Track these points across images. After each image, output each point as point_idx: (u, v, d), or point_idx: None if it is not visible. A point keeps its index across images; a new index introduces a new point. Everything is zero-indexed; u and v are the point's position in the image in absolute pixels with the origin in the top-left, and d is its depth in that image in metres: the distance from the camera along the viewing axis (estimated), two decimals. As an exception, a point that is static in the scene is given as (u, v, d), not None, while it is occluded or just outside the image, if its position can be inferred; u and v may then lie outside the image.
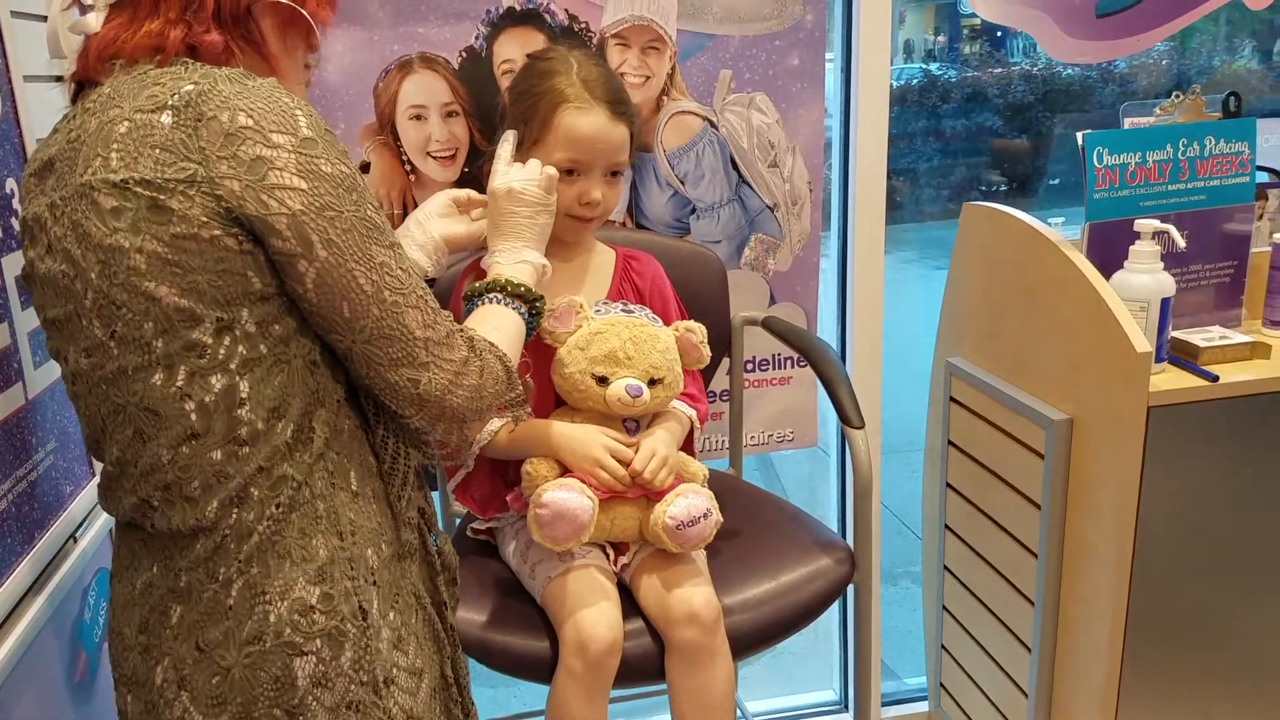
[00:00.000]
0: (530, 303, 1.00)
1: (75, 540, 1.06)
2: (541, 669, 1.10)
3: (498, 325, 0.95)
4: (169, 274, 0.73)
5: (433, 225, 1.08)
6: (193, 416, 0.75)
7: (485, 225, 1.09)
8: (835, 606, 1.85)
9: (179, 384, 0.75)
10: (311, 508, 0.79)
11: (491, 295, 0.98)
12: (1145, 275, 1.29)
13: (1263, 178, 1.49)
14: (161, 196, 0.72)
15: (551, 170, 1.08)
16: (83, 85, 0.82)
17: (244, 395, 0.76)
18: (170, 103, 0.73)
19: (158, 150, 0.73)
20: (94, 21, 0.80)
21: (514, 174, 1.06)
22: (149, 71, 0.77)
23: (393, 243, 0.79)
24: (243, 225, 0.74)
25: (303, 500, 0.78)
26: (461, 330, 0.86)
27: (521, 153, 1.15)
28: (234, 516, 0.77)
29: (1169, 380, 1.28)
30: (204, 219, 0.72)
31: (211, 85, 0.74)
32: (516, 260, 1.03)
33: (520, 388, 0.90)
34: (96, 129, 0.75)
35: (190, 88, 0.74)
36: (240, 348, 0.75)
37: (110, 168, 0.73)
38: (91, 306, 0.75)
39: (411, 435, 0.86)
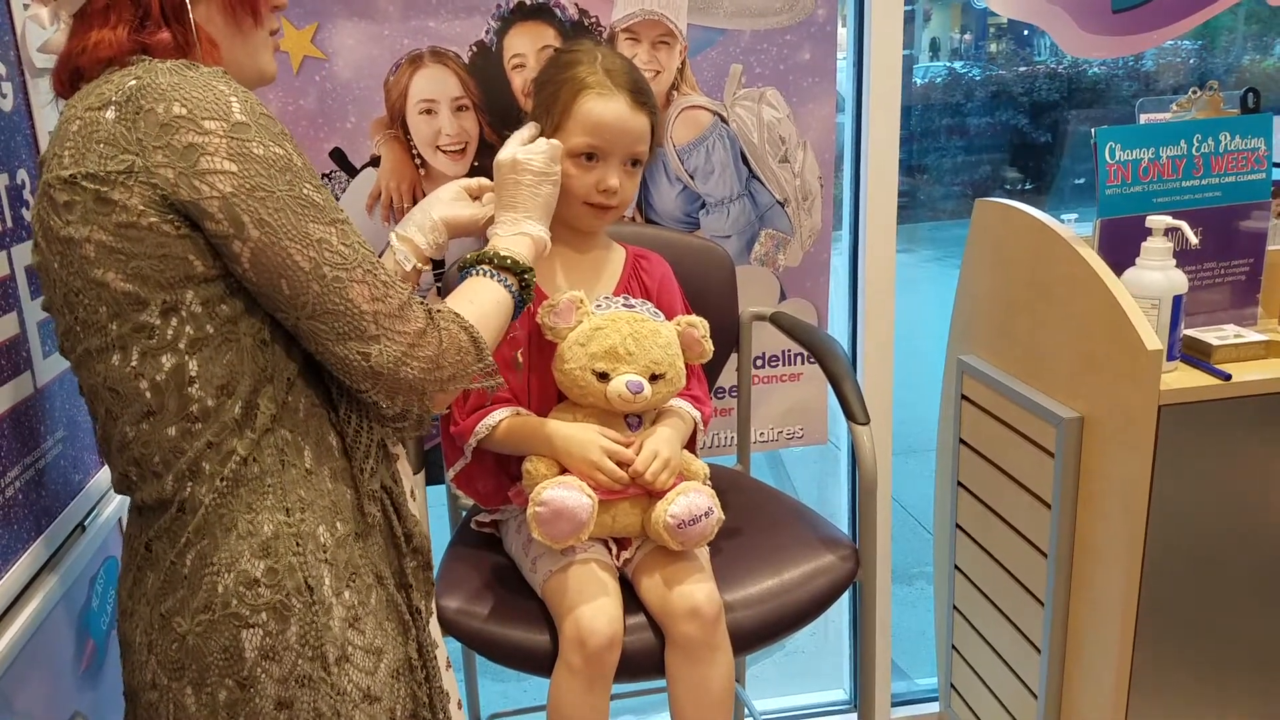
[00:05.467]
0: (520, 275, 1.00)
1: (83, 529, 1.08)
2: (542, 663, 1.10)
3: (472, 299, 0.95)
4: (115, 261, 0.76)
5: (435, 208, 1.10)
6: (147, 395, 0.79)
7: (488, 210, 1.11)
8: (847, 605, 1.84)
9: (133, 364, 0.79)
10: (259, 483, 0.81)
11: (480, 267, 0.99)
12: (1157, 272, 1.27)
13: (1280, 175, 1.47)
14: (104, 189, 0.75)
15: (555, 142, 1.10)
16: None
17: (193, 374, 0.79)
18: (114, 98, 0.77)
19: (102, 145, 0.76)
20: (46, 15, 0.83)
21: (519, 148, 1.09)
22: (107, 73, 0.81)
23: (335, 220, 0.80)
24: (179, 211, 0.76)
25: (250, 476, 0.81)
26: (422, 303, 0.86)
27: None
28: (188, 490, 0.80)
29: (1181, 379, 1.26)
30: (142, 207, 0.75)
31: (152, 79, 0.77)
32: (515, 232, 1.04)
33: (489, 359, 0.90)
34: (58, 128, 0.79)
35: (133, 83, 0.77)
36: (187, 328, 0.78)
37: (63, 164, 0.77)
38: (60, 294, 0.80)
39: (373, 410, 0.86)
